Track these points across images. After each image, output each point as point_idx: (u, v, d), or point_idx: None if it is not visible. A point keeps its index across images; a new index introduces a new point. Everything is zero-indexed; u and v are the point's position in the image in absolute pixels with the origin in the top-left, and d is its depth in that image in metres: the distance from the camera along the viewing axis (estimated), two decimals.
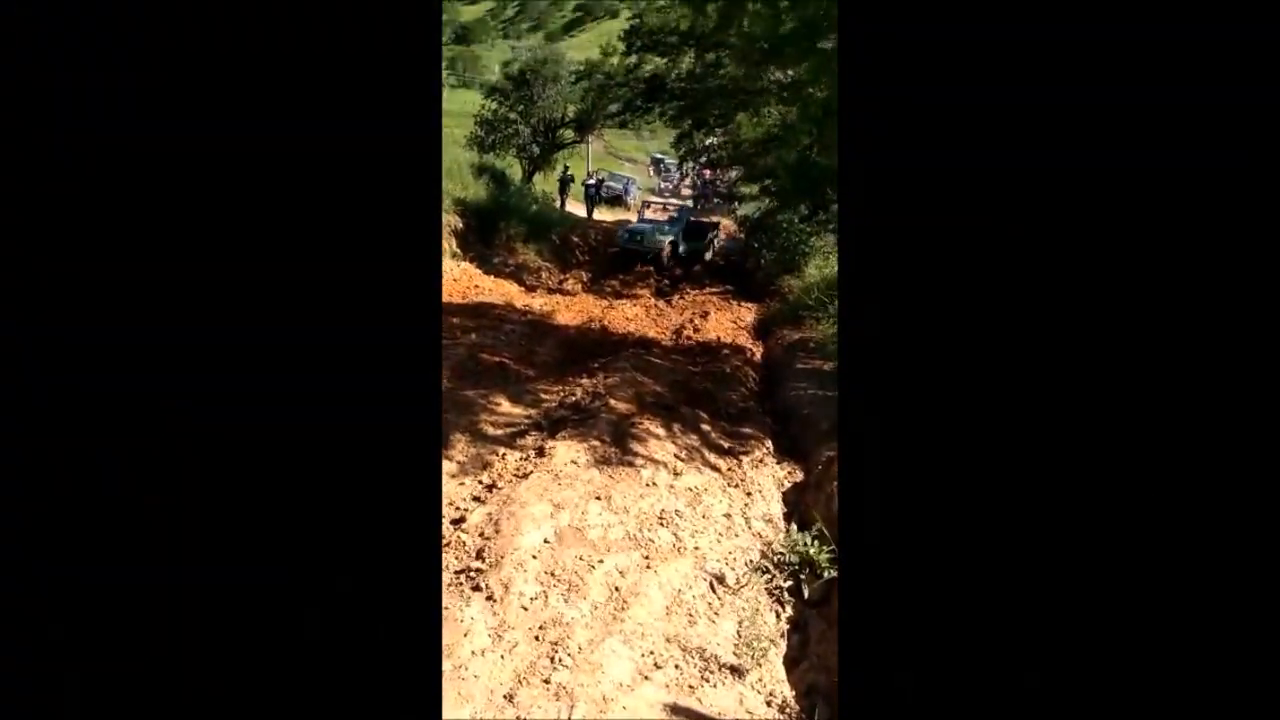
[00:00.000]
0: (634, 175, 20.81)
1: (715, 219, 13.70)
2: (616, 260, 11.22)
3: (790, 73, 5.58)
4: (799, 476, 3.70)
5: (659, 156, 23.35)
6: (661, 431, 3.89)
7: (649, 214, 13.37)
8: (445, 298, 7.42)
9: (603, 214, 15.61)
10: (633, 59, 12.70)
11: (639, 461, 3.43)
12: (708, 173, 17.58)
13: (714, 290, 9.63)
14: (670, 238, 11.39)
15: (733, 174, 14.39)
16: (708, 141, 12.44)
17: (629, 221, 12.88)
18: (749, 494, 3.40)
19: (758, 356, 6.48)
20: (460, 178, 10.61)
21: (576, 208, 15.34)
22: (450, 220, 9.50)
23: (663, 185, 21.89)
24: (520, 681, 1.92)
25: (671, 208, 13.72)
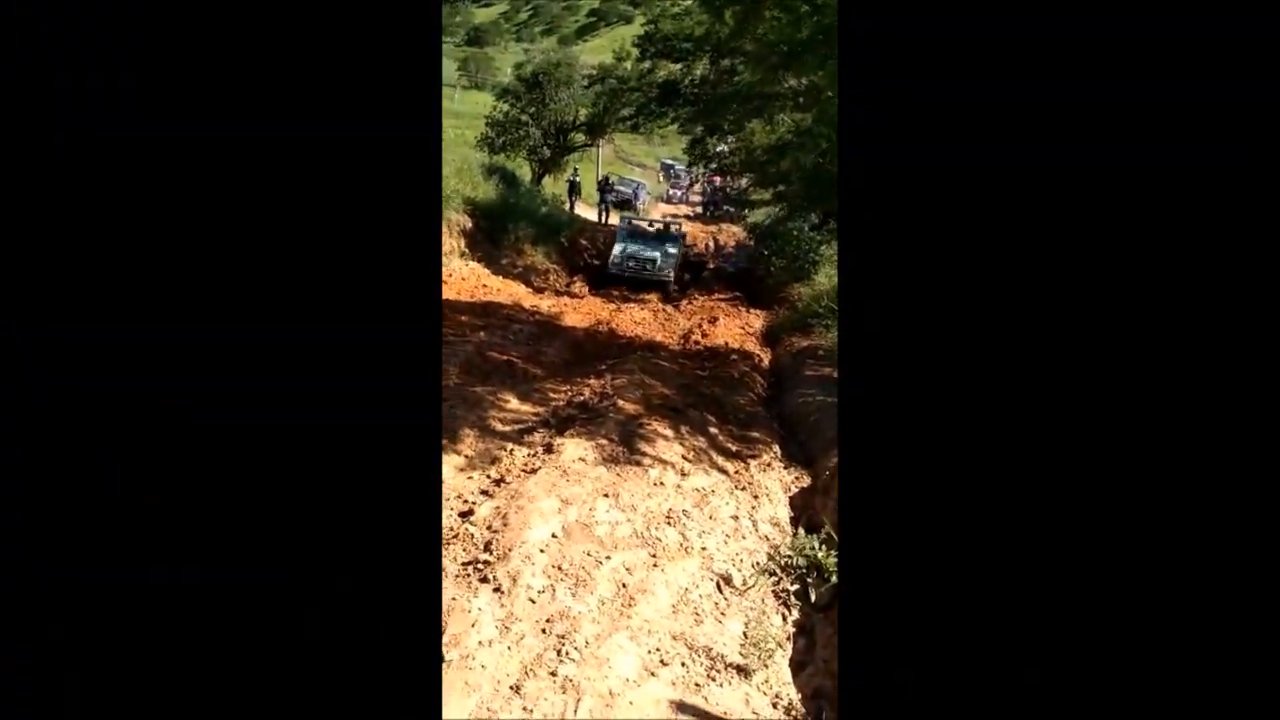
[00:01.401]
0: (644, 180, 20.85)
1: (680, 224, 11.82)
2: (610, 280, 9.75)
3: (804, 80, 5.60)
4: (806, 482, 3.69)
5: (669, 162, 23.41)
6: (669, 433, 3.89)
7: (635, 228, 10.69)
8: (454, 296, 7.44)
9: (615, 219, 15.61)
10: (646, 64, 12.78)
11: (647, 461, 3.42)
12: (717, 179, 17.63)
13: (722, 296, 9.63)
14: (674, 260, 9.81)
15: (743, 181, 14.41)
16: (719, 148, 12.47)
17: (629, 224, 10.76)
18: (756, 497, 3.39)
19: (766, 363, 6.48)
20: (470, 177, 10.65)
21: (586, 211, 15.35)
22: (459, 219, 9.53)
23: (672, 191, 21.92)
24: (527, 673, 1.92)
25: (658, 223, 11.19)
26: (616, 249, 9.99)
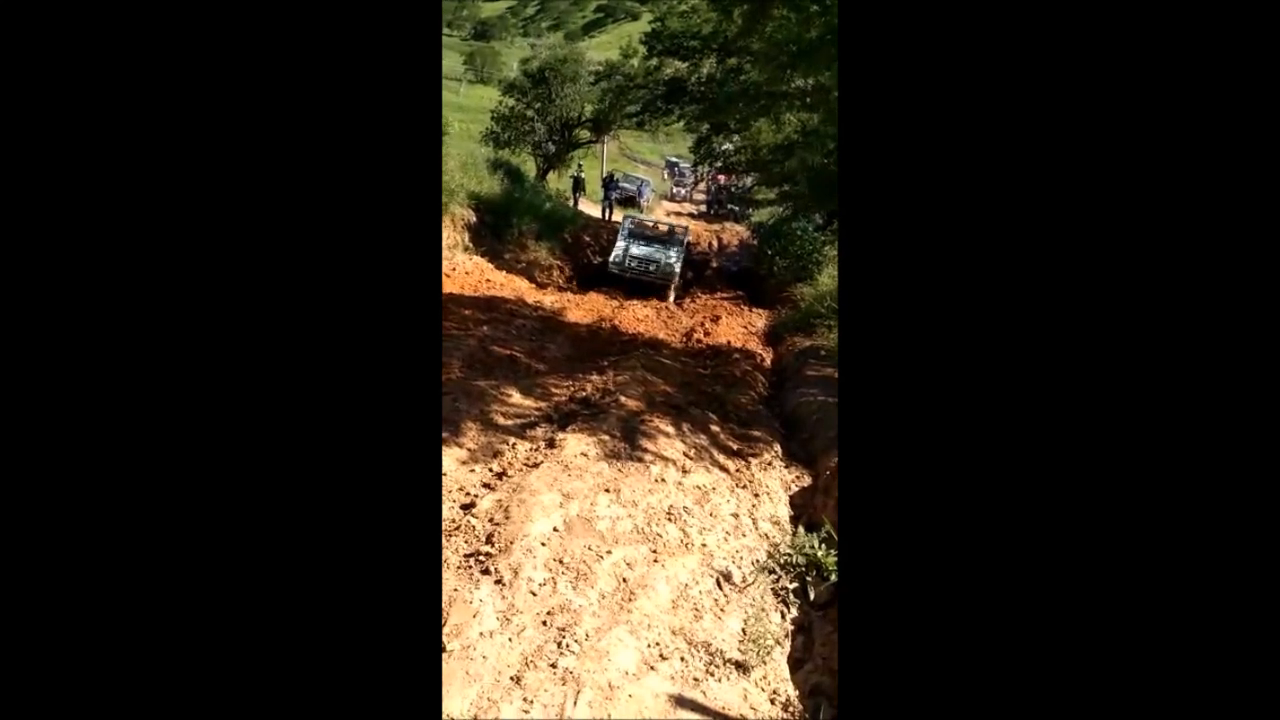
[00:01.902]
0: (648, 177, 20.83)
1: (685, 225, 11.13)
2: (608, 278, 9.20)
3: (812, 80, 5.60)
4: (807, 481, 3.70)
5: (674, 160, 23.39)
6: (671, 430, 3.90)
7: (639, 228, 10.08)
8: (457, 290, 7.44)
9: (618, 216, 15.58)
10: (653, 61, 12.78)
11: (648, 458, 3.43)
12: (722, 178, 17.61)
13: (725, 296, 9.63)
14: (678, 263, 9.22)
15: (748, 180, 14.39)
16: (724, 146, 12.46)
17: (634, 222, 10.13)
18: (757, 495, 3.40)
19: (768, 362, 6.49)
20: (475, 172, 10.65)
21: (590, 207, 15.33)
22: (464, 214, 9.54)
23: (676, 189, 21.91)
24: (527, 665, 1.93)
25: (663, 224, 10.58)
26: (618, 247, 9.47)
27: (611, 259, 9.45)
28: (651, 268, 9.18)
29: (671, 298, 9.06)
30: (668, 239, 9.75)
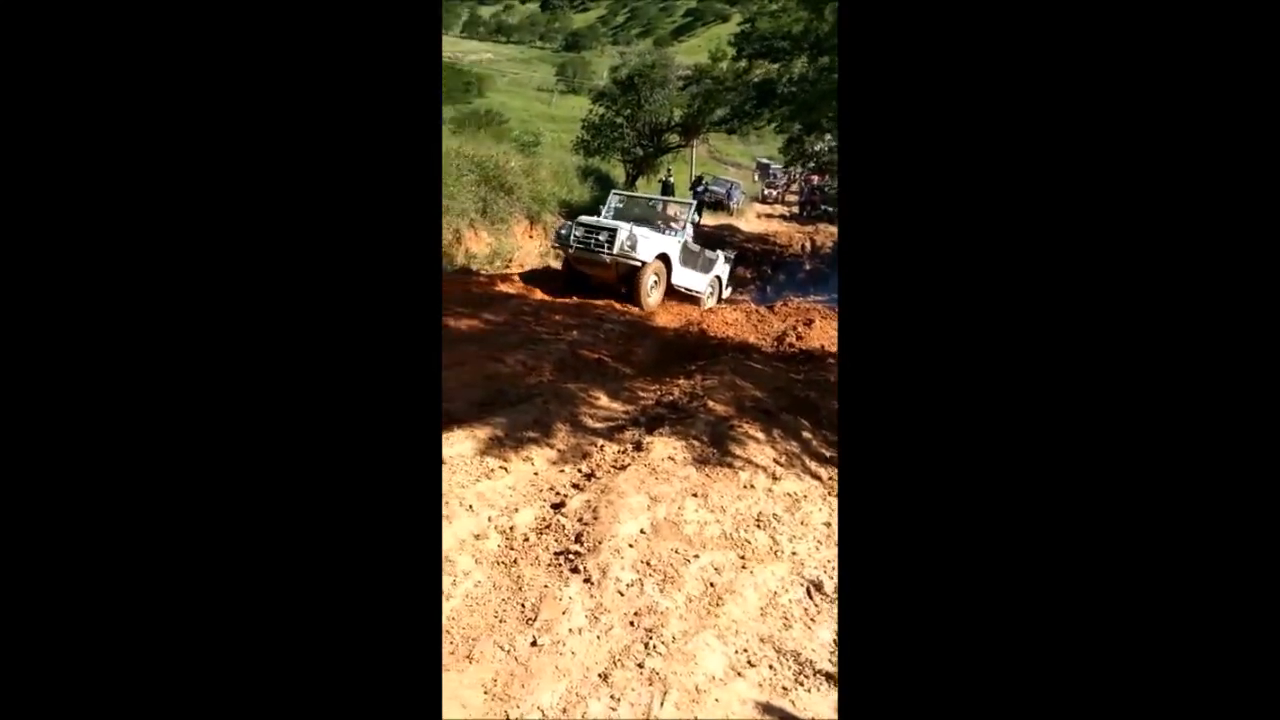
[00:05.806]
0: (738, 180, 20.65)
1: (690, 207, 8.27)
2: (570, 279, 7.18)
3: None
4: None
5: (765, 161, 23.10)
6: (761, 435, 3.84)
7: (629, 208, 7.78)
8: (548, 296, 7.63)
9: (708, 220, 15.53)
10: (742, 63, 12.70)
11: (737, 463, 3.40)
12: (814, 178, 17.23)
13: (819, 298, 9.42)
14: (662, 244, 6.81)
15: None
16: (817, 146, 12.21)
17: (623, 197, 7.80)
18: None
19: None
20: (566, 180, 10.94)
21: None
22: (556, 222, 9.80)
23: (768, 191, 21.61)
24: (615, 663, 1.96)
25: (657, 202, 8.22)
26: (576, 225, 7.11)
27: (558, 231, 7.19)
28: (601, 237, 6.61)
29: (651, 300, 6.72)
30: (654, 217, 7.49)
